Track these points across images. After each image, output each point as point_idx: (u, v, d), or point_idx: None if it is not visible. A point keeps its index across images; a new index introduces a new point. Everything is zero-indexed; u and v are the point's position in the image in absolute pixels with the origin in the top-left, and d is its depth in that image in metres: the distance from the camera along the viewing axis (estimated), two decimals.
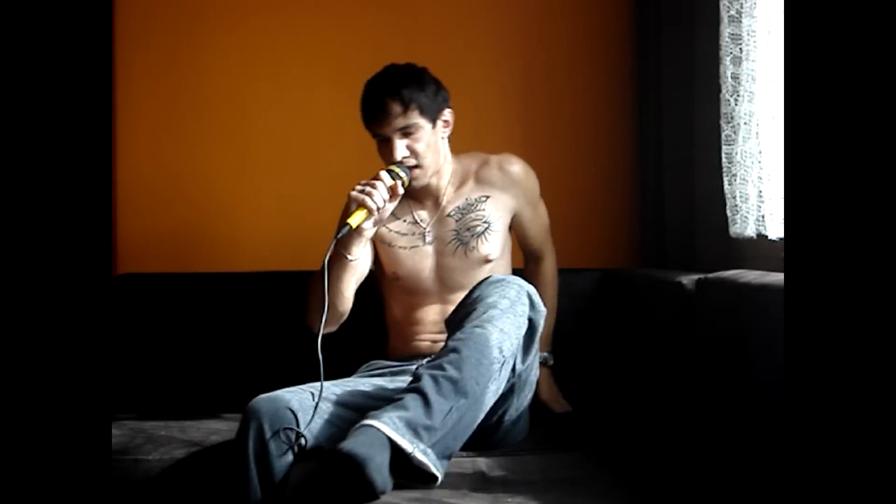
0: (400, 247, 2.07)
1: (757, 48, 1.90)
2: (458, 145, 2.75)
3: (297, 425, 1.70)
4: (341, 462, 1.45)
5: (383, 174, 1.88)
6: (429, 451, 1.54)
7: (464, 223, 2.06)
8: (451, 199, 2.08)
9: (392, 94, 1.93)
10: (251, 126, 2.74)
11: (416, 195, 2.05)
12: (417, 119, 1.95)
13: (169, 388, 2.41)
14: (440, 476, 1.55)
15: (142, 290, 2.49)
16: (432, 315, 2.07)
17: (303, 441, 1.71)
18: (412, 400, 1.56)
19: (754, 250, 2.08)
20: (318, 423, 1.74)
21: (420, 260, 2.06)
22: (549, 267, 2.27)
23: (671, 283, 2.00)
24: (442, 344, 1.84)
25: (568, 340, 2.41)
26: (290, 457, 1.71)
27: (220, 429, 2.06)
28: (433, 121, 1.98)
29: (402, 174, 1.91)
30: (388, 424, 1.51)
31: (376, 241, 2.08)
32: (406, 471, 1.53)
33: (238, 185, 2.74)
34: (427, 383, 1.57)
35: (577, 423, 2.12)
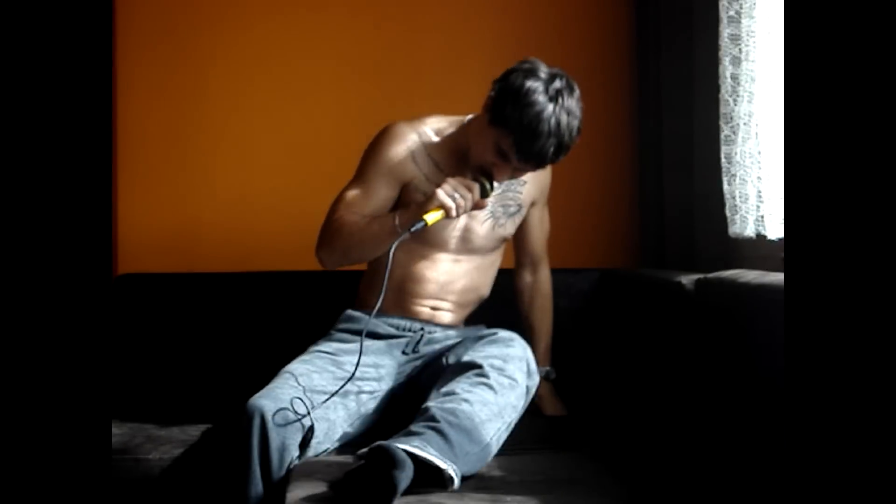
0: None
1: (756, 49, 1.90)
2: None
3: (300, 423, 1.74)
4: (376, 457, 1.48)
5: (477, 188, 1.84)
6: (458, 470, 1.58)
7: (501, 199, 2.04)
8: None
9: (555, 158, 1.85)
10: (252, 126, 2.74)
11: (468, 165, 1.95)
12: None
13: (169, 387, 2.41)
14: (457, 482, 1.57)
15: (142, 290, 2.49)
16: (440, 273, 2.03)
17: (308, 422, 1.73)
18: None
19: (753, 250, 2.08)
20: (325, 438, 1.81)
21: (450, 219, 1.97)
22: (547, 279, 2.29)
23: (670, 283, 2.00)
24: (441, 314, 2.01)
25: (567, 340, 2.41)
26: (293, 454, 1.74)
27: (220, 428, 2.06)
28: None
29: (490, 192, 1.88)
30: (414, 446, 1.55)
31: (411, 191, 1.99)
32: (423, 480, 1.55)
33: (239, 185, 2.74)
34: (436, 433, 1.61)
35: (577, 422, 2.13)
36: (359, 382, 1.88)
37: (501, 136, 1.82)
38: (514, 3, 2.77)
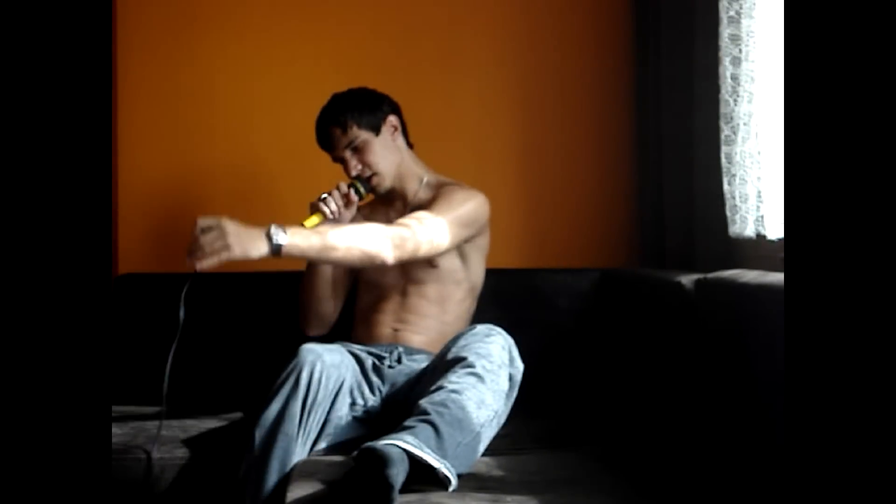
0: None
1: (756, 49, 1.90)
2: (459, 145, 2.76)
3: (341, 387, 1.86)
4: (367, 458, 1.49)
5: (341, 185, 2.11)
6: (452, 469, 1.58)
7: None
8: (413, 205, 2.20)
9: (331, 120, 2.15)
10: (252, 126, 2.74)
11: (386, 199, 2.23)
12: (359, 133, 2.13)
13: (169, 387, 2.41)
14: (454, 482, 1.57)
15: (142, 290, 2.50)
16: (393, 304, 2.20)
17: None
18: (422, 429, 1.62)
19: (753, 250, 2.08)
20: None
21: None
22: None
23: (670, 284, 2.00)
24: (404, 334, 2.15)
25: (567, 340, 2.41)
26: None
27: (220, 427, 2.06)
28: (376, 130, 2.14)
29: (360, 186, 2.13)
30: (408, 443, 1.55)
31: None
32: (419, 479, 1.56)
33: (239, 185, 2.74)
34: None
35: (577, 422, 2.13)
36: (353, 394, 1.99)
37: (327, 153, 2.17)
38: (513, 3, 2.77)
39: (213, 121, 2.73)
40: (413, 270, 2.17)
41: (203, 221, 1.77)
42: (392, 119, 2.18)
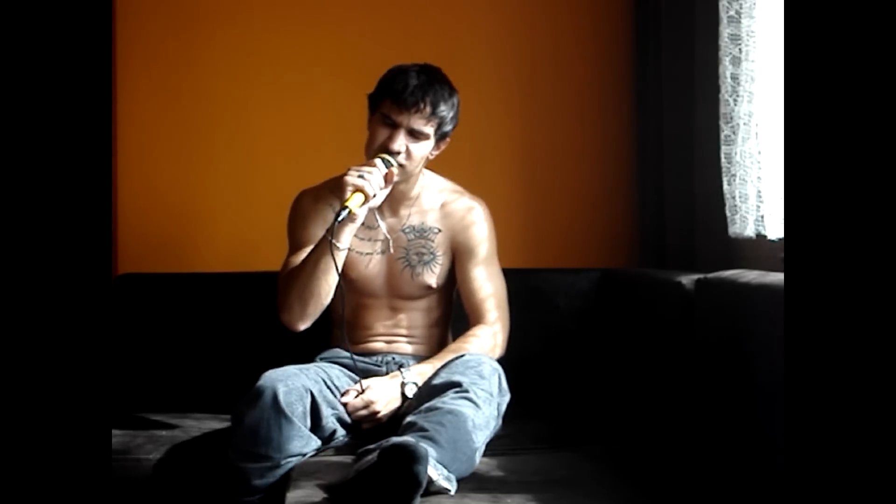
0: (356, 251, 2.07)
1: (756, 49, 1.90)
2: (459, 145, 2.76)
3: (314, 401, 1.81)
4: (395, 454, 1.47)
5: (378, 161, 1.91)
6: (452, 477, 1.57)
7: (414, 246, 2.09)
8: (411, 215, 2.11)
9: (431, 96, 1.95)
10: (251, 126, 2.74)
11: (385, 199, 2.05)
12: (431, 130, 1.98)
13: (169, 387, 2.41)
14: (453, 490, 1.56)
15: (142, 290, 2.49)
16: (382, 318, 2.12)
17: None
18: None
19: (753, 250, 2.08)
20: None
21: (373, 267, 2.10)
22: (475, 337, 2.05)
23: (671, 284, 2.00)
24: (398, 345, 2.11)
25: (568, 340, 2.41)
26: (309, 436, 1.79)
27: (221, 428, 2.06)
28: (437, 141, 2.02)
29: (394, 163, 1.94)
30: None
31: None
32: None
33: (238, 185, 2.74)
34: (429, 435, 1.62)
35: (576, 422, 2.13)
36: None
37: (380, 106, 1.98)
38: (513, 3, 2.77)
39: (213, 120, 2.73)
40: (405, 289, 2.10)
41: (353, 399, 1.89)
42: (445, 143, 2.05)
